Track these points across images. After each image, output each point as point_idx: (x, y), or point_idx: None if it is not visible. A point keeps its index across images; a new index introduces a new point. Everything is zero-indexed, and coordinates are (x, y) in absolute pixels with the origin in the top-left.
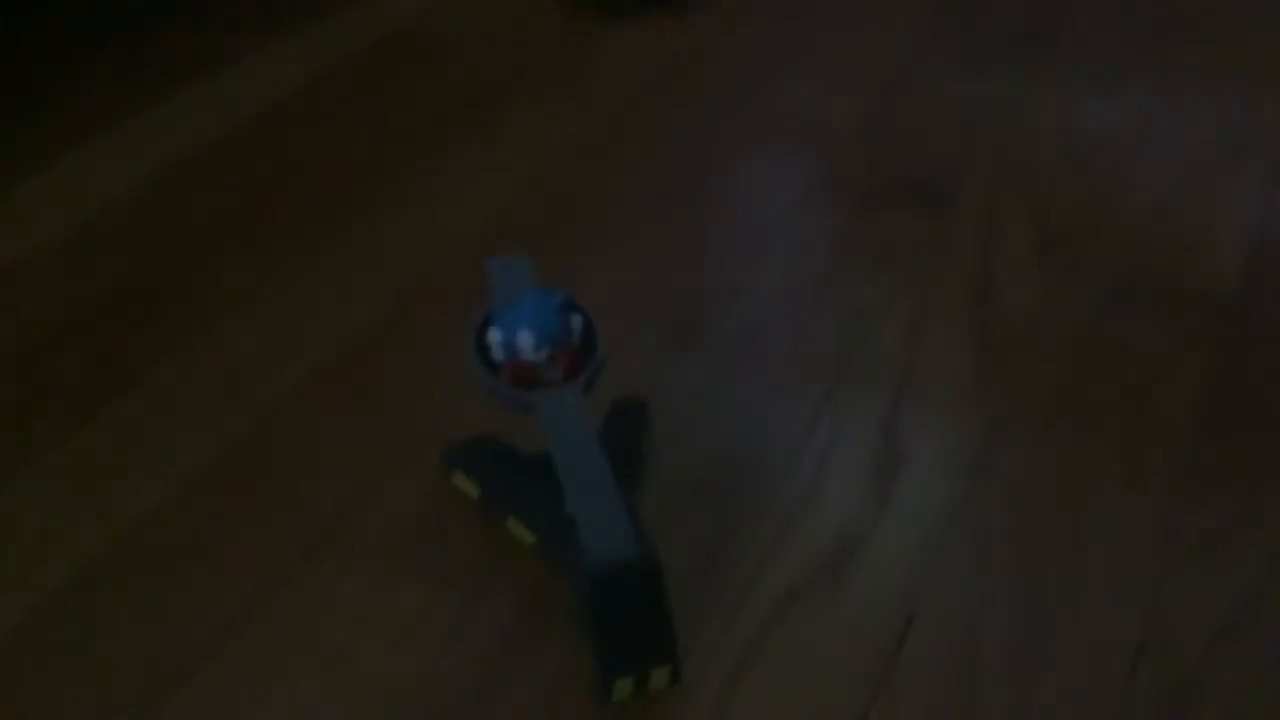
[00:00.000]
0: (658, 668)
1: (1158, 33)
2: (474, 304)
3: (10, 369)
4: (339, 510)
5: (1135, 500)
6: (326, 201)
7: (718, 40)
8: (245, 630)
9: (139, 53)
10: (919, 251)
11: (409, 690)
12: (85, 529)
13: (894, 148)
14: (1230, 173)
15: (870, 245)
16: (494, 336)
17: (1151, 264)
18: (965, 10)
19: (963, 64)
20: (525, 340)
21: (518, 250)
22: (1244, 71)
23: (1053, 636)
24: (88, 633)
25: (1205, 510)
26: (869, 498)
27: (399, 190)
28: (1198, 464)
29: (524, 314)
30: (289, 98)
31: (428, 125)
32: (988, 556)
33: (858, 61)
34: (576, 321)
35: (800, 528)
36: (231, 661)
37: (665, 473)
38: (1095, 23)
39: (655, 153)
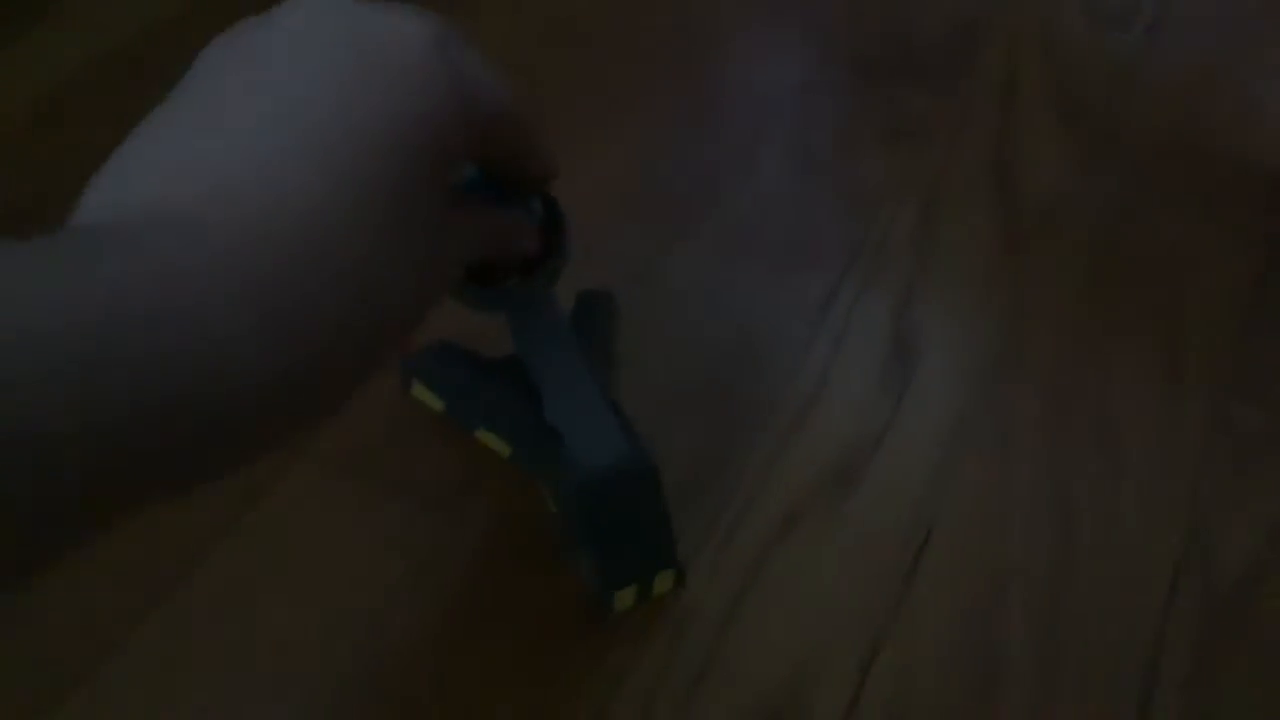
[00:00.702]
0: (662, 571)
1: None
2: None
3: None
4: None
5: (1174, 400)
6: None
7: None
8: (211, 557)
9: None
10: (932, 128)
11: (383, 618)
12: None
13: (905, 13)
14: (1274, 40)
15: (880, 122)
16: None
17: (1190, 139)
18: None
19: None
20: None
21: None
22: None
23: (1085, 551)
24: None
25: (1252, 410)
26: (881, 398)
27: None
28: (1244, 359)
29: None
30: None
31: None
32: (1011, 462)
33: None
34: (534, 203)
35: (807, 432)
36: (195, 592)
37: (660, 373)
38: None
39: (648, 24)
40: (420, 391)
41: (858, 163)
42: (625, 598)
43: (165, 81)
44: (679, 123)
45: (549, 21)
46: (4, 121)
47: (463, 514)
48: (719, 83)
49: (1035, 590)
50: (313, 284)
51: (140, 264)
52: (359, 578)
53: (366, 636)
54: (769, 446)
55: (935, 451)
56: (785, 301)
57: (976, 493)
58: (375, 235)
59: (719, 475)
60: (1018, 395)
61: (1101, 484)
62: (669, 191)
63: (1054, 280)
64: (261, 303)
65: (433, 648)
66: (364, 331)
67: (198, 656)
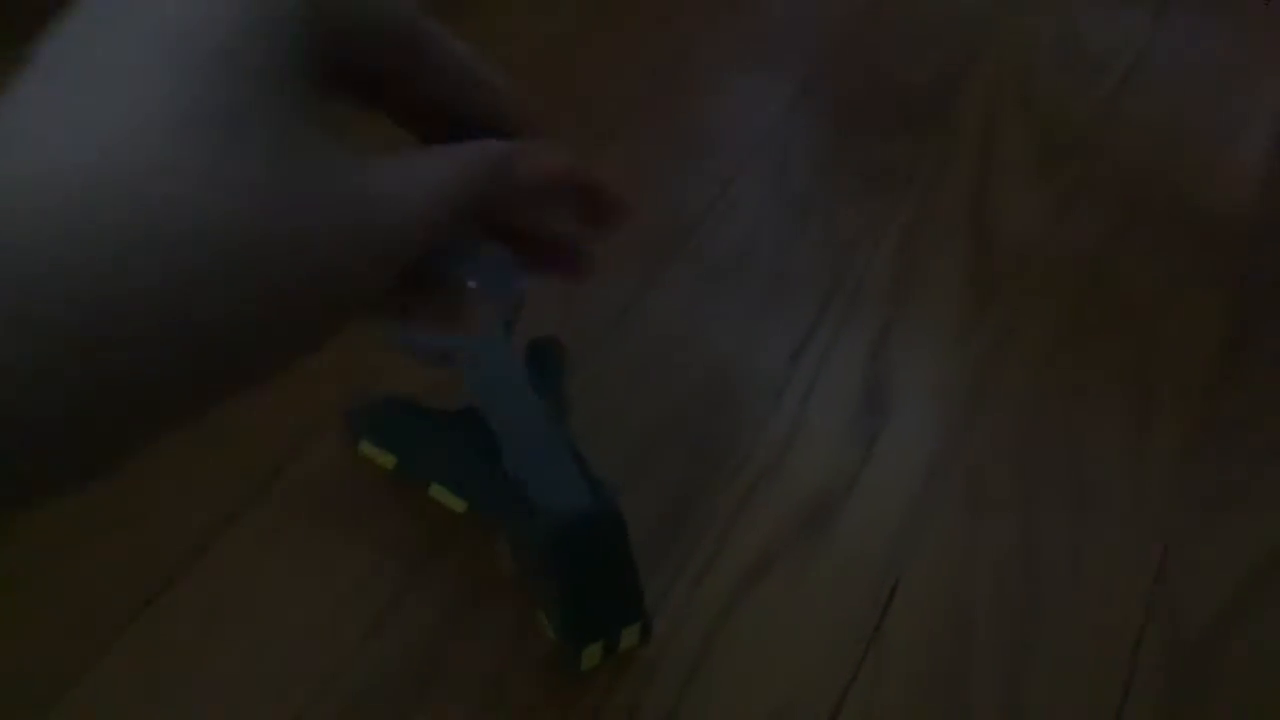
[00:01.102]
0: (628, 627)
1: None
2: None
3: None
4: (252, 480)
5: (1144, 450)
6: None
7: None
8: (159, 605)
9: None
10: (912, 169)
11: (341, 669)
12: None
13: (888, 57)
14: (1245, 89)
15: (861, 162)
16: None
17: (1161, 188)
18: None
19: None
20: None
21: None
22: None
23: (1052, 601)
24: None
25: (1221, 461)
26: (853, 444)
27: None
28: (1213, 411)
29: None
30: None
31: None
32: (981, 511)
33: None
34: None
35: (779, 478)
36: (150, 634)
37: (633, 417)
38: None
39: (634, 56)
40: (368, 449)
41: (836, 205)
42: (592, 656)
43: None
44: (658, 162)
45: (531, 54)
46: None
47: (423, 565)
48: (699, 123)
49: (1002, 639)
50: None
51: None
52: (316, 626)
53: (321, 687)
54: (740, 491)
55: (906, 499)
56: (760, 345)
57: (946, 541)
58: (206, 185)
59: (690, 519)
60: (988, 443)
61: (1069, 534)
62: (648, 232)
63: (1027, 328)
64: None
65: (393, 699)
66: (187, 364)
67: (141, 710)
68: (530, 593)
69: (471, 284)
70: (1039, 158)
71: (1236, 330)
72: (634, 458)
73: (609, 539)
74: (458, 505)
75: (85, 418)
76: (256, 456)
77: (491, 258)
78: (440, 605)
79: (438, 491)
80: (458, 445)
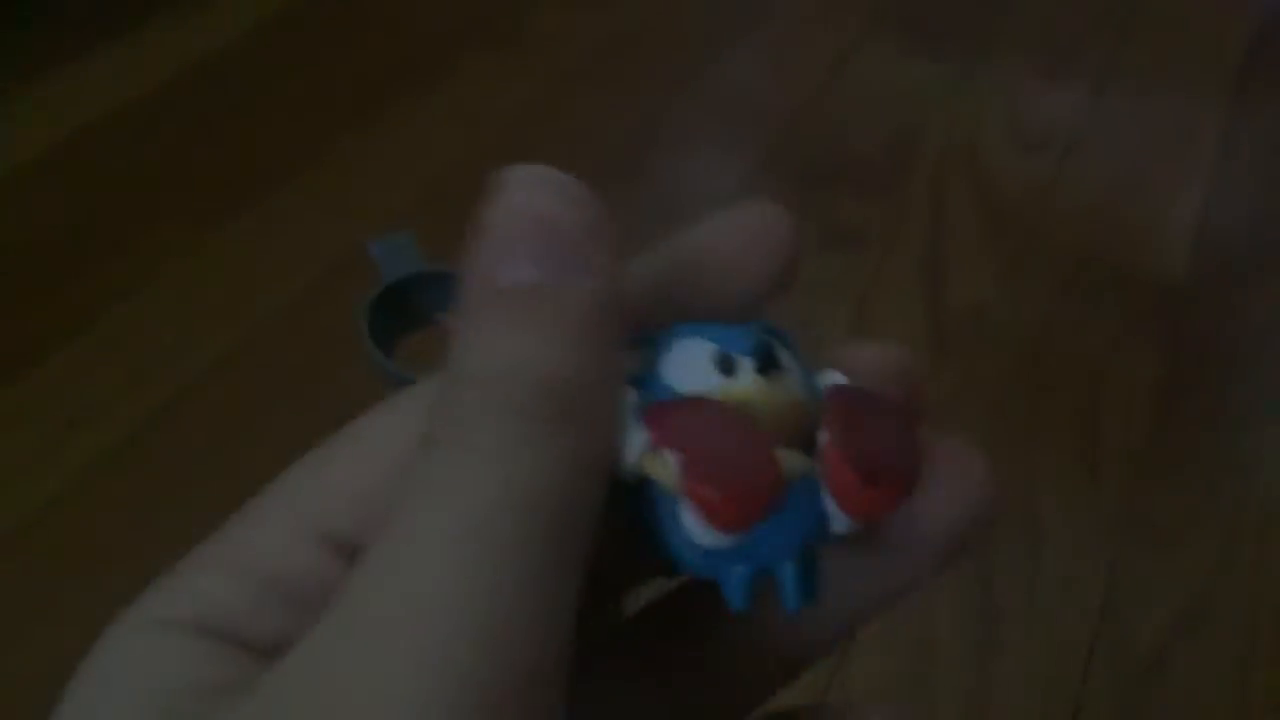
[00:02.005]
0: None
1: (1104, 20)
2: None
3: None
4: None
5: (1091, 490)
6: (251, 166)
7: (661, 14)
8: None
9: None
10: (868, 231)
11: None
12: None
13: (839, 130)
14: (1174, 162)
15: (820, 222)
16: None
17: (1101, 252)
18: None
19: (908, 46)
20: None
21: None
22: (1189, 61)
23: (1008, 627)
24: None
25: (1163, 504)
26: None
27: (330, 157)
28: (1153, 454)
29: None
30: (214, 56)
31: (361, 86)
32: None
33: (803, 41)
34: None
35: None
36: None
37: None
38: (1043, 5)
39: (595, 127)
40: None
41: (799, 261)
42: None
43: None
44: (626, 225)
45: (499, 122)
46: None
47: None
48: (666, 187)
49: (962, 662)
50: None
51: None
52: None
53: None
54: None
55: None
56: None
57: None
58: None
59: None
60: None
61: (1023, 565)
62: None
63: (979, 380)
64: None
65: None
66: None
67: None
68: None
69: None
70: (986, 223)
71: (1172, 382)
72: None
73: None
74: None
75: None
76: (241, 494)
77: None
78: None
79: None
80: None
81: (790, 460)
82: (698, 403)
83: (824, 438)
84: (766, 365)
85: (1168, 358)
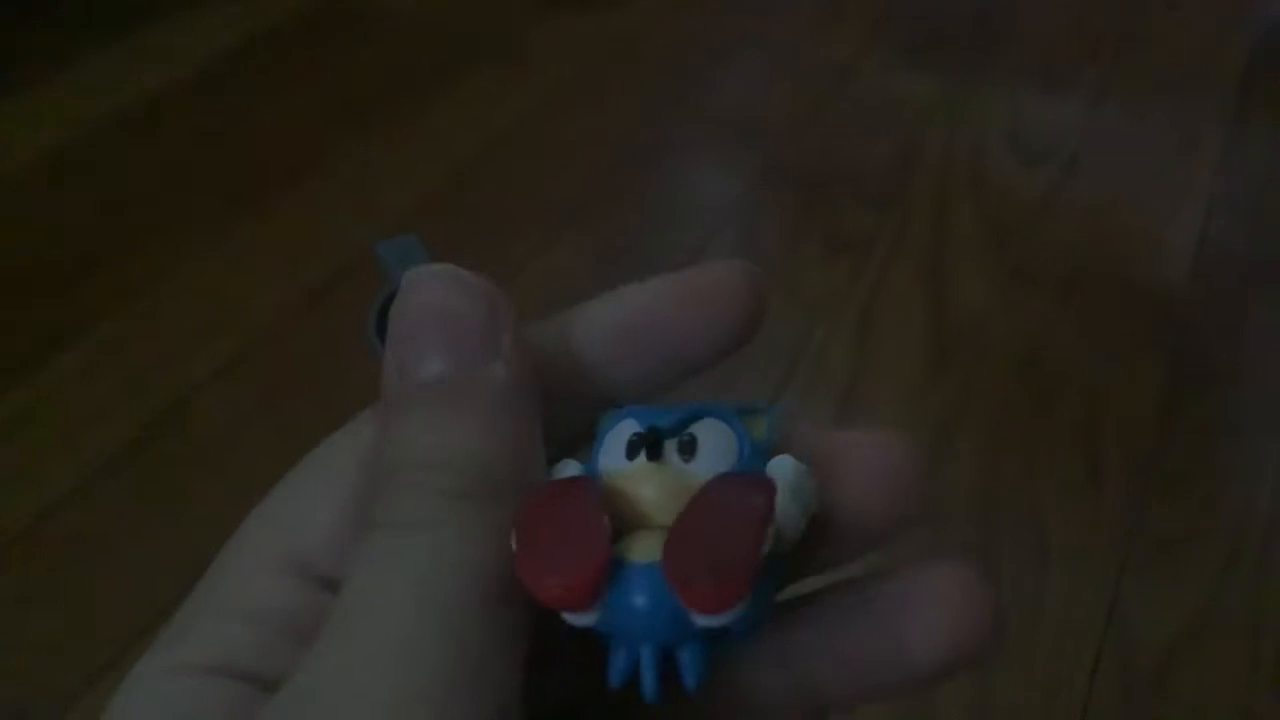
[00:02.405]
0: None
1: (1104, 34)
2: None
3: None
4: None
5: (1095, 501)
6: (252, 175)
7: (661, 26)
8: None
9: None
10: (871, 242)
11: None
12: None
13: (841, 141)
14: (1176, 173)
15: (823, 232)
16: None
17: (1102, 264)
18: (912, 3)
19: (909, 58)
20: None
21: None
22: (1188, 74)
23: (1013, 640)
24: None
25: (1167, 511)
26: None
27: (332, 165)
28: (1156, 466)
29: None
30: (218, 59)
31: (363, 98)
32: (946, 557)
33: (805, 54)
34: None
35: None
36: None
37: None
38: (1042, 20)
39: (596, 139)
40: None
41: (800, 272)
42: None
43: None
44: (629, 232)
45: (503, 129)
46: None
47: None
48: (668, 195)
49: (963, 679)
50: None
51: None
52: None
53: None
54: None
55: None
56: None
57: None
58: None
59: None
60: (951, 497)
61: (1029, 578)
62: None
63: (982, 390)
64: None
65: None
66: None
67: None
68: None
69: None
70: (988, 233)
71: (1174, 394)
72: None
73: None
74: None
75: None
76: (249, 495)
77: None
78: None
79: None
80: None
81: (642, 547)
82: (570, 485)
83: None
84: (654, 449)
85: (1170, 369)
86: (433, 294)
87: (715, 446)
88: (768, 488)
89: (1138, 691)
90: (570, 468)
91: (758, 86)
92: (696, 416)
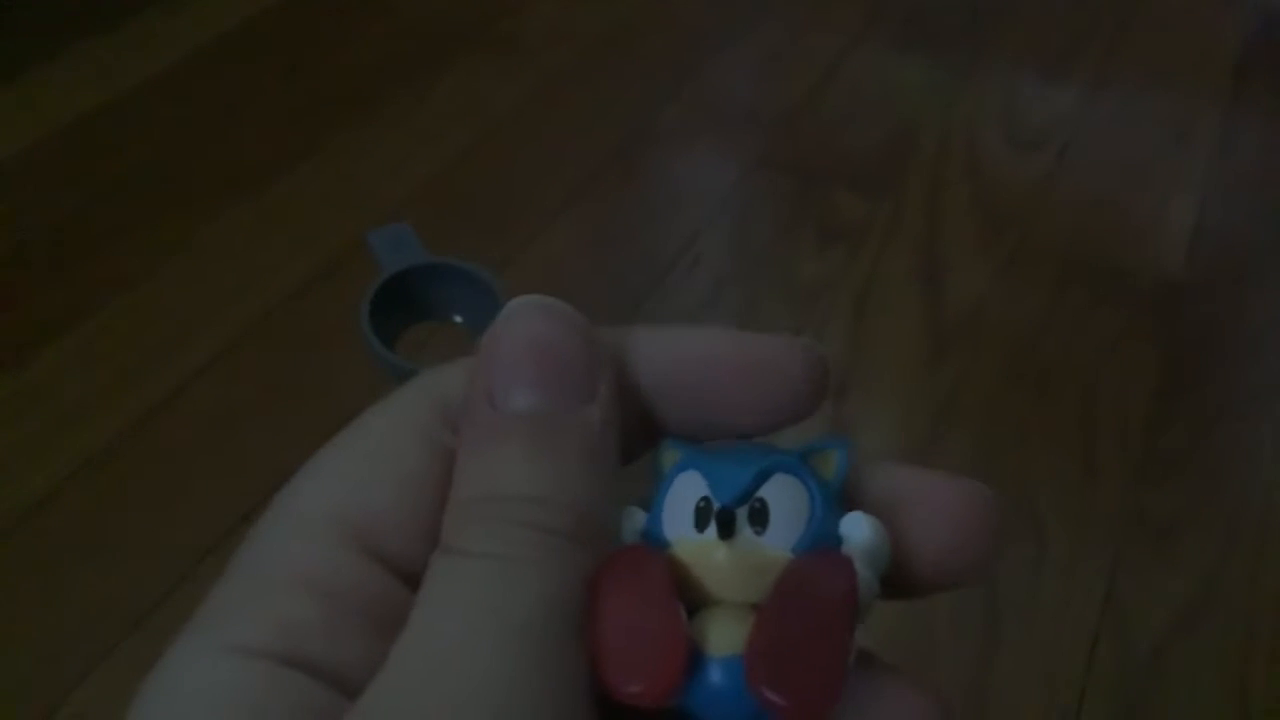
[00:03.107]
0: None
1: (1100, 20)
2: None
3: None
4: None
5: (1091, 485)
6: (247, 161)
7: (655, 15)
8: (150, 624)
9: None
10: (867, 229)
11: None
12: None
13: (837, 128)
14: (1171, 161)
15: (818, 220)
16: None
17: (1098, 251)
18: None
19: (905, 46)
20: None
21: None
22: (1183, 62)
23: (1010, 626)
24: None
25: (1161, 497)
26: None
27: (325, 154)
28: (1151, 451)
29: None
30: (211, 47)
31: (359, 86)
32: None
33: (800, 41)
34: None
35: None
36: (136, 655)
37: None
38: (1037, 9)
39: (593, 125)
40: None
41: (796, 260)
42: None
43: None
44: (627, 216)
45: (504, 113)
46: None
47: None
48: (665, 182)
49: (961, 664)
50: None
51: None
52: None
53: None
54: None
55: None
56: None
57: None
58: None
59: None
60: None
61: (1026, 561)
62: (617, 282)
63: (977, 377)
64: None
65: None
66: None
67: None
68: None
69: (458, 319)
70: (983, 221)
71: (1169, 379)
72: None
73: None
74: None
75: None
76: (244, 482)
77: (476, 293)
78: None
79: None
80: None
81: (720, 633)
82: (642, 561)
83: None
84: (726, 529)
85: (1165, 355)
86: (535, 326)
87: (787, 511)
88: (848, 575)
89: (1133, 676)
90: (636, 517)
91: (752, 75)
92: (765, 472)
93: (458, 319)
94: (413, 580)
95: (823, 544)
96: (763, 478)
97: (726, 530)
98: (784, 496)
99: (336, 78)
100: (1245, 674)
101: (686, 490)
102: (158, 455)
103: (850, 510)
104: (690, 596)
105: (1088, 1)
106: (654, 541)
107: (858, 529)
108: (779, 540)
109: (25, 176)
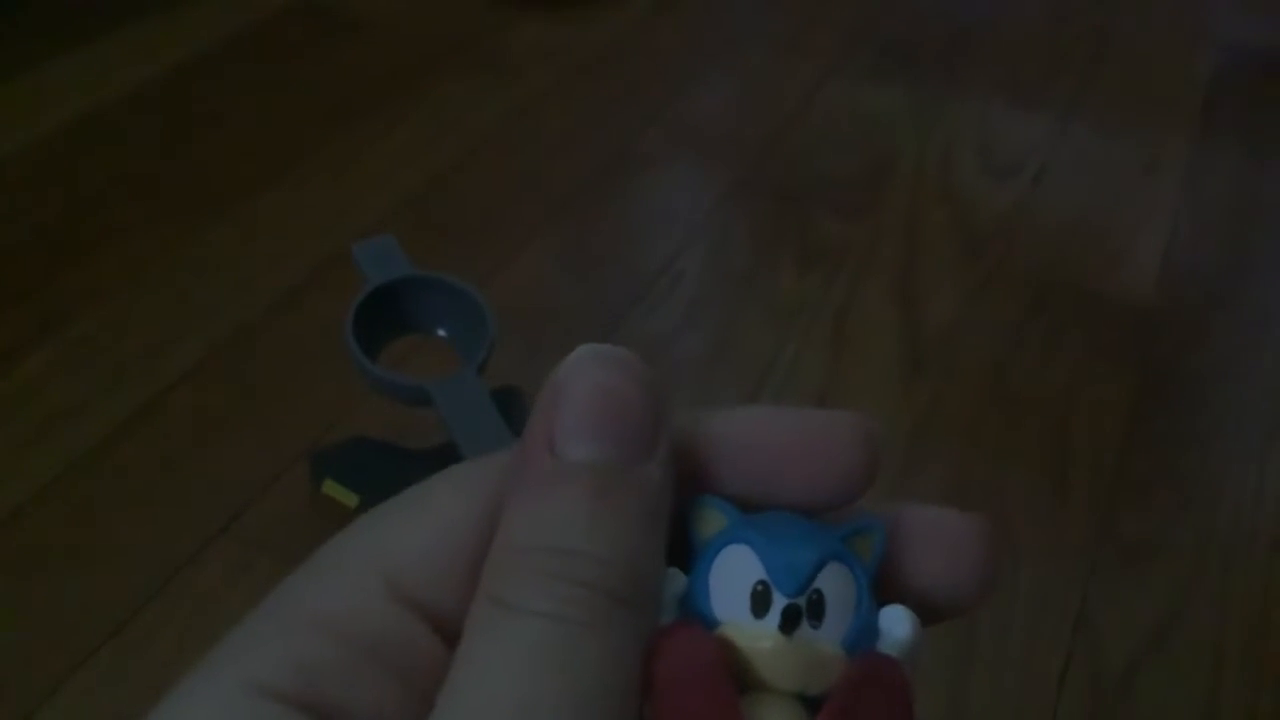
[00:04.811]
0: None
1: (1072, 51)
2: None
3: None
4: (217, 518)
5: (1064, 508)
6: (228, 177)
7: (637, 38)
8: (128, 632)
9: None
10: (844, 252)
11: None
12: None
13: (814, 153)
14: (1142, 189)
15: (796, 242)
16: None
17: (1070, 276)
18: (883, 20)
19: (880, 74)
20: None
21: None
22: (1153, 93)
23: (982, 649)
24: None
25: (1133, 521)
26: None
27: (307, 168)
28: (1123, 474)
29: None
30: (194, 61)
31: (341, 102)
32: None
33: (778, 67)
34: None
35: None
36: (117, 661)
37: None
38: (1011, 38)
39: (573, 145)
40: (332, 488)
41: (773, 283)
42: None
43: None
44: (607, 238)
45: (485, 131)
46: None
47: None
48: (644, 204)
49: (933, 685)
50: None
51: None
52: None
53: None
54: None
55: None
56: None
57: None
58: None
59: None
60: (919, 501)
61: (997, 591)
62: (597, 301)
63: (953, 400)
64: None
65: None
66: None
67: None
68: None
69: (442, 332)
70: (958, 246)
71: (1140, 404)
72: None
73: None
74: None
75: None
76: (222, 495)
77: (460, 307)
78: None
79: None
80: None
81: None
82: (698, 647)
83: None
84: (792, 624)
85: (1136, 380)
86: (603, 375)
87: (839, 603)
88: (904, 688)
89: (1106, 695)
90: (677, 581)
91: (731, 99)
92: (819, 562)
93: (442, 332)
94: (443, 628)
95: (867, 637)
96: (819, 562)
97: (791, 626)
98: (836, 586)
99: (320, 93)
100: (1216, 694)
101: (739, 567)
102: (138, 464)
103: (884, 591)
104: (739, 679)
105: (1061, 32)
106: (699, 615)
107: (899, 626)
108: (832, 633)
109: (5, 184)
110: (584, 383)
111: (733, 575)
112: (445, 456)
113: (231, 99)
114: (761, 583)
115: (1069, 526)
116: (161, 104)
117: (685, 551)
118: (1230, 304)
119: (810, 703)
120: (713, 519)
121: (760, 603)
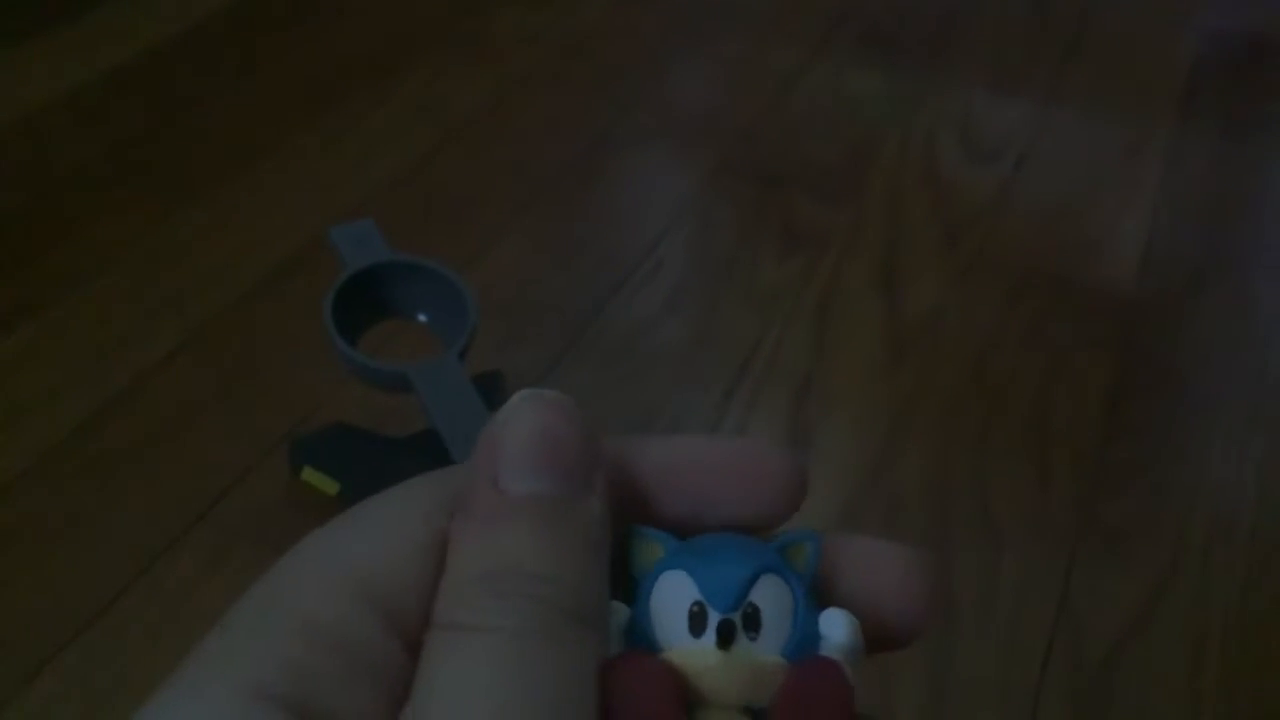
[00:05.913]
0: None
1: (1053, 37)
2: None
3: None
4: (195, 505)
5: (1045, 492)
6: (207, 160)
7: (617, 22)
8: (102, 624)
9: None
10: (827, 236)
11: None
12: None
13: (797, 138)
14: (1123, 175)
15: (776, 232)
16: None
17: (1052, 262)
18: (866, 5)
19: (862, 58)
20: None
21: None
22: (1134, 79)
23: (964, 634)
24: None
25: (1115, 506)
26: None
27: (286, 151)
28: (1105, 458)
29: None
30: (171, 42)
31: (321, 85)
32: None
33: (760, 51)
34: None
35: None
36: (90, 653)
37: None
38: (993, 23)
39: (554, 129)
40: (311, 475)
41: (755, 268)
42: None
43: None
44: (590, 222)
45: (466, 116)
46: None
47: None
48: (626, 188)
49: (914, 671)
50: None
51: None
52: None
53: None
54: None
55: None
56: (680, 410)
57: None
58: None
59: None
60: (901, 486)
61: (981, 568)
62: (581, 286)
63: (934, 386)
64: None
65: None
66: None
67: None
68: None
69: (421, 317)
70: (941, 231)
71: (1122, 389)
72: None
73: None
74: None
75: None
76: (199, 482)
77: (441, 291)
78: None
79: None
80: (409, 470)
81: None
82: (647, 673)
83: None
84: (727, 639)
85: (1117, 366)
86: (542, 417)
87: (775, 614)
88: (844, 687)
89: (1088, 682)
90: (621, 613)
91: (713, 83)
92: (751, 577)
93: (421, 317)
94: (413, 648)
95: (808, 644)
96: (750, 577)
97: (726, 641)
98: (771, 598)
99: (298, 75)
100: (1198, 679)
101: (676, 592)
102: (111, 453)
103: (823, 604)
104: (687, 700)
105: (1043, 18)
106: (644, 642)
107: (837, 628)
108: (770, 644)
109: None
110: (524, 423)
111: (671, 600)
112: (426, 443)
113: (210, 81)
114: (697, 603)
115: (1050, 512)
116: (140, 86)
117: (625, 584)
118: (1211, 290)
119: (759, 714)
120: (649, 549)
121: (697, 623)
